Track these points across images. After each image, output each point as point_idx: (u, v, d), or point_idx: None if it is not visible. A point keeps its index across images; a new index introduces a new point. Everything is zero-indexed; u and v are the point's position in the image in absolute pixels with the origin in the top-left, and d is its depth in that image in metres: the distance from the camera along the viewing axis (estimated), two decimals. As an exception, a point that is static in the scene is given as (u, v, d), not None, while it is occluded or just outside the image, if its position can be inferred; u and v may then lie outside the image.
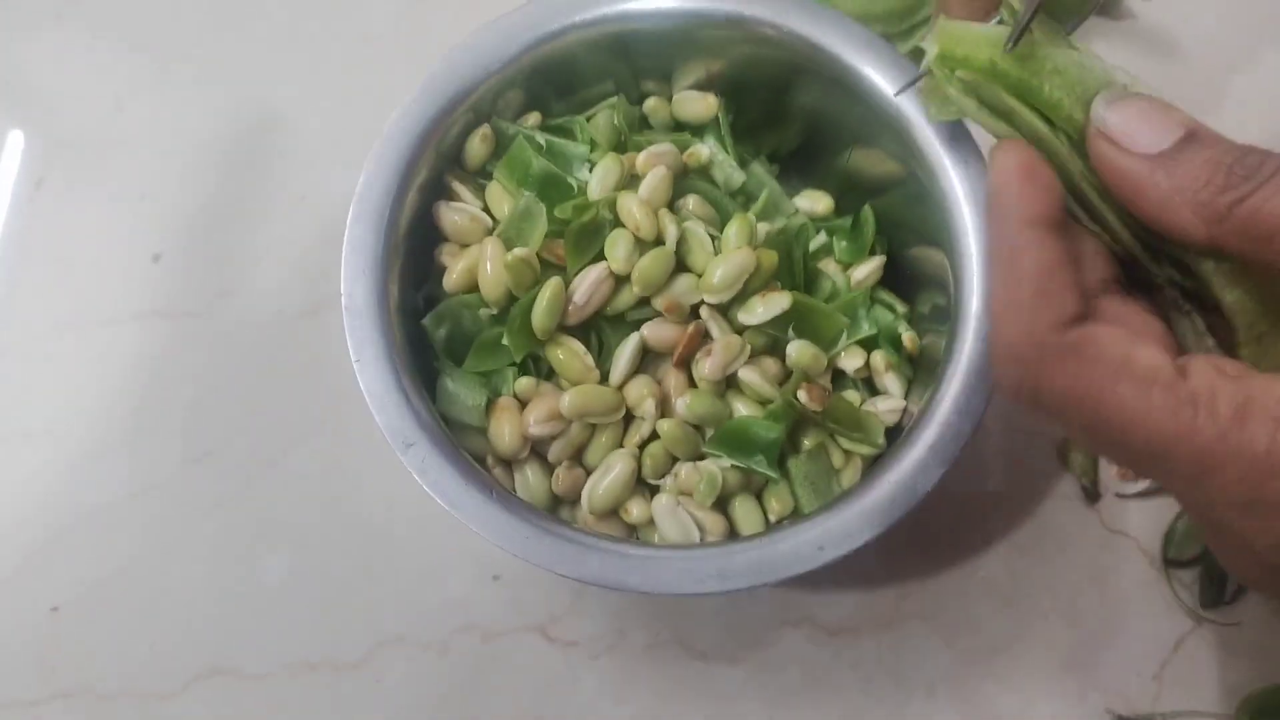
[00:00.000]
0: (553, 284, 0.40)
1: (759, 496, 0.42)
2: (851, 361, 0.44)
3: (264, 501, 0.51)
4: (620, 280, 0.42)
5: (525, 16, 0.43)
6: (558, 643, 0.49)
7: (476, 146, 0.44)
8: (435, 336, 0.43)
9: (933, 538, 0.50)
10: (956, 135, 0.40)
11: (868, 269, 0.46)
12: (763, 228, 0.44)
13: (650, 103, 0.48)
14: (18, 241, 0.55)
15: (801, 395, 0.41)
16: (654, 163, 0.43)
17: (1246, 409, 0.24)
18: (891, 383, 0.44)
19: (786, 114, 0.48)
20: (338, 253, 0.40)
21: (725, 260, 0.41)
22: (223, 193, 0.55)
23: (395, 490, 0.38)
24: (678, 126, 0.48)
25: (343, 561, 0.50)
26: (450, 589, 0.50)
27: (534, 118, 0.46)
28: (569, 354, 0.41)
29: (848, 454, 0.43)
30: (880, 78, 0.42)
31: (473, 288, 0.42)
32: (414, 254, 0.43)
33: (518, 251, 0.41)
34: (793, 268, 0.44)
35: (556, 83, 0.45)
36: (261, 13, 0.58)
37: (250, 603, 0.50)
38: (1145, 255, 0.29)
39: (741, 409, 0.42)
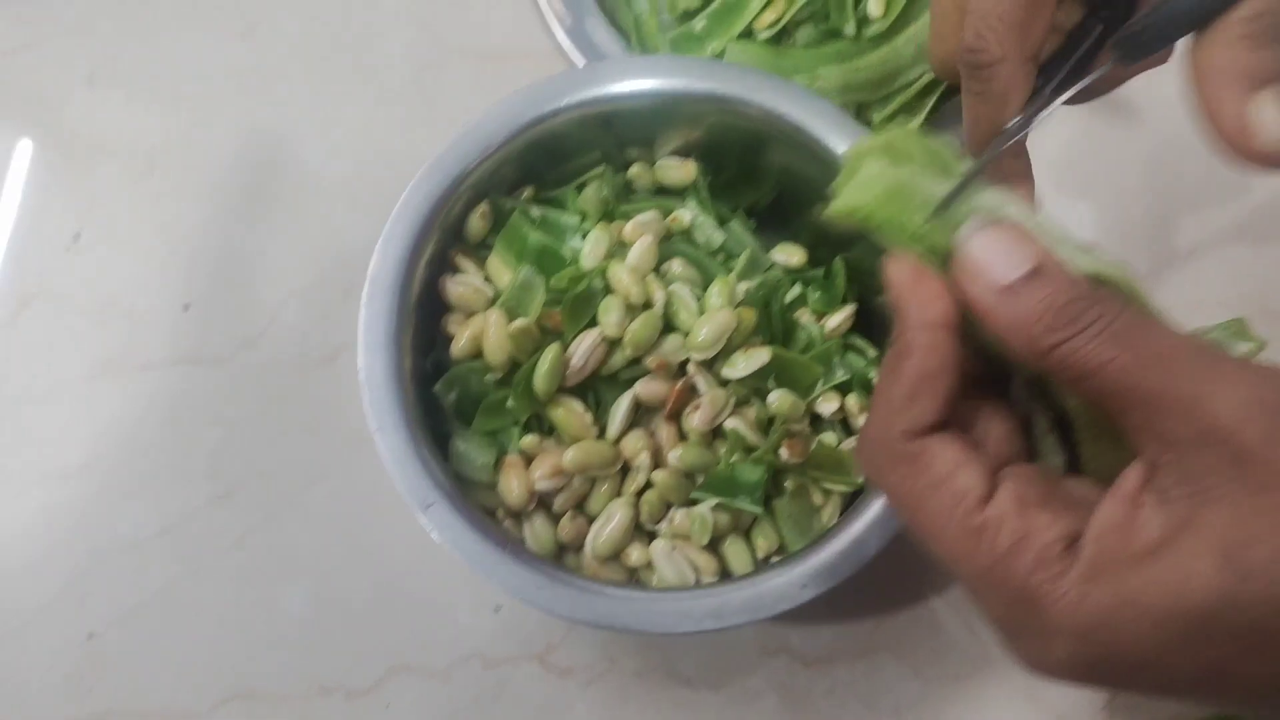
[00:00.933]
0: (553, 350, 0.44)
1: (748, 536, 0.46)
2: (828, 406, 0.48)
3: (284, 537, 0.55)
4: (613, 343, 0.45)
5: (521, 101, 0.47)
6: (553, 670, 0.53)
7: (477, 223, 0.48)
8: (446, 401, 0.47)
9: (904, 572, 0.53)
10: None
11: (840, 317, 0.49)
12: (743, 286, 0.48)
13: (634, 169, 0.51)
14: (58, 291, 0.58)
15: (784, 452, 0.45)
16: (640, 232, 0.47)
17: (1019, 546, 0.27)
18: (866, 424, 0.48)
19: (760, 173, 0.52)
20: (355, 302, 0.44)
21: (709, 320, 0.45)
22: (248, 245, 0.59)
23: (406, 527, 0.41)
24: (659, 190, 0.52)
25: (357, 594, 0.54)
26: (455, 620, 0.54)
27: (528, 191, 0.50)
28: (569, 413, 0.45)
29: (827, 492, 0.47)
30: (841, 143, 0.46)
31: (478, 354, 0.46)
32: (422, 324, 0.47)
33: (519, 321, 0.44)
34: (771, 321, 0.48)
35: (548, 156, 0.49)
36: (285, 75, 0.62)
37: (271, 631, 0.54)
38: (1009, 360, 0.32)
39: (728, 455, 0.46)
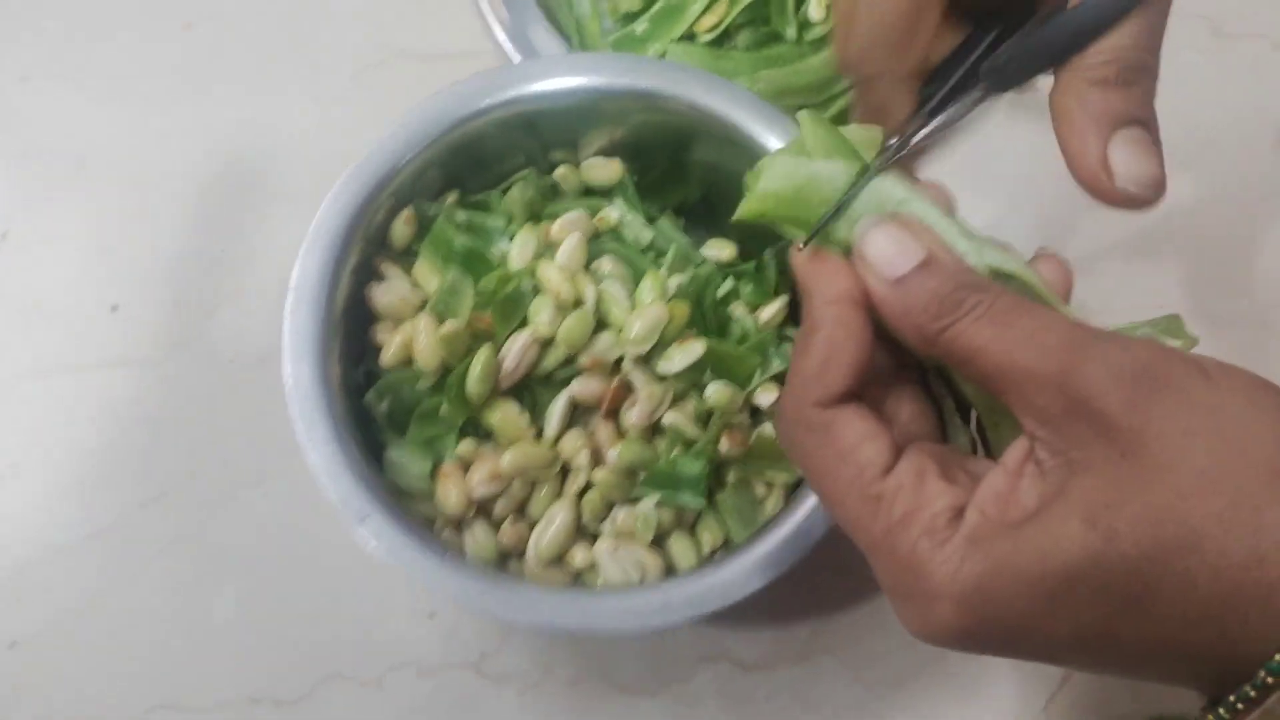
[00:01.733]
0: (484, 352, 0.43)
1: (692, 531, 0.46)
2: (766, 397, 0.47)
3: (215, 542, 0.53)
4: (546, 343, 0.45)
5: (440, 104, 0.46)
6: (489, 677, 0.52)
7: (401, 229, 0.47)
8: (378, 410, 0.45)
9: (843, 573, 0.52)
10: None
11: (773, 309, 0.49)
12: (674, 280, 0.47)
13: (560, 171, 0.51)
14: (-15, 291, 0.57)
15: (724, 444, 0.44)
16: (568, 230, 0.47)
17: (910, 515, 0.29)
18: (804, 413, 0.48)
19: (687, 170, 0.52)
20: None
21: (640, 315, 0.45)
22: (179, 245, 0.58)
23: (338, 533, 0.41)
24: (587, 190, 0.52)
25: (288, 601, 0.53)
26: (389, 627, 0.53)
27: (452, 196, 0.49)
28: (504, 416, 0.44)
29: (769, 483, 0.47)
30: (770, 136, 0.46)
31: (409, 362, 0.45)
32: (351, 334, 0.46)
33: (449, 325, 0.44)
34: (704, 315, 0.48)
35: (471, 160, 0.48)
36: (220, 74, 0.61)
37: (200, 640, 0.52)
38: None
39: (668, 450, 0.45)
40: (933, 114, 0.35)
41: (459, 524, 0.45)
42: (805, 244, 0.32)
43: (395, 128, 0.46)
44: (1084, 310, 0.31)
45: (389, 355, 0.45)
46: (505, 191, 0.50)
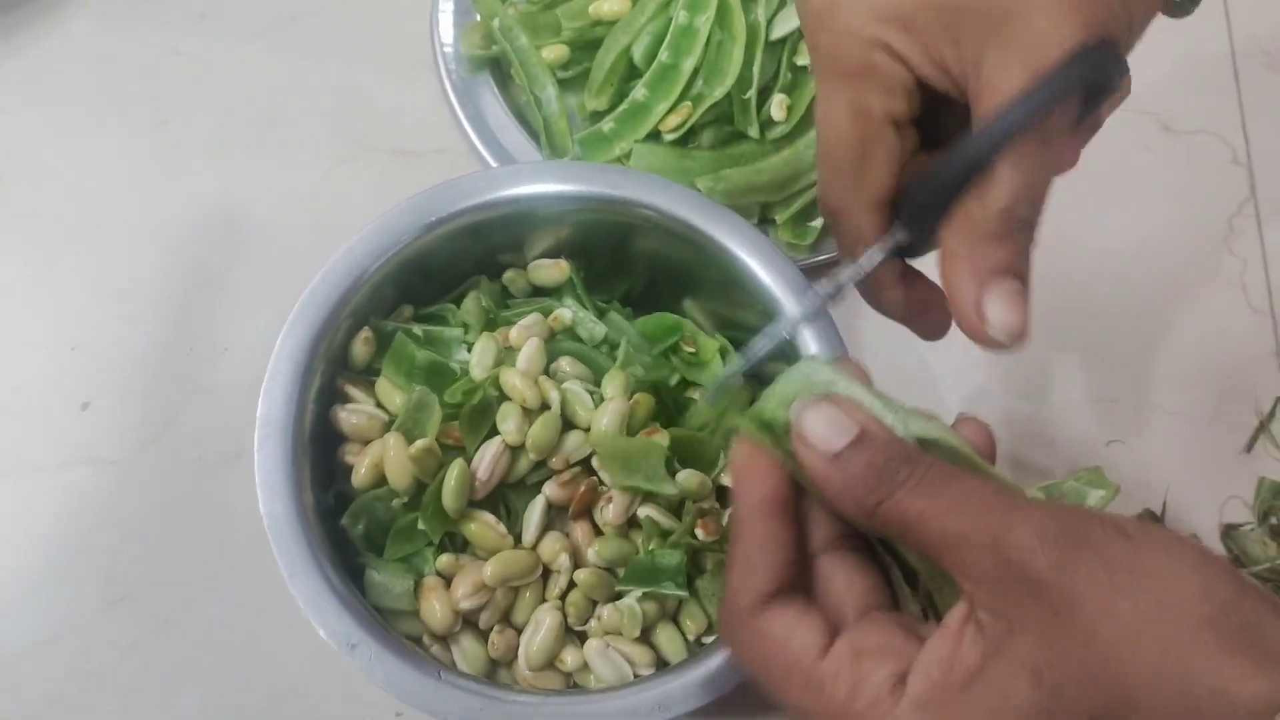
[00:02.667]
0: (457, 465, 0.44)
1: (675, 621, 0.47)
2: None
3: (178, 645, 0.53)
4: (516, 449, 0.45)
5: (389, 225, 0.47)
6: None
7: (360, 349, 0.47)
8: (354, 533, 0.46)
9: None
10: (785, 271, 0.47)
11: (730, 391, 0.51)
12: (633, 372, 0.48)
13: (508, 275, 0.52)
14: (-47, 392, 0.56)
15: (699, 532, 0.45)
16: (526, 335, 0.48)
17: (853, 694, 0.29)
18: (770, 490, 0.49)
19: (630, 261, 0.53)
20: (255, 403, 0.44)
21: (605, 414, 0.46)
22: (149, 343, 0.58)
23: (302, 633, 0.40)
24: (535, 290, 0.53)
25: (251, 703, 0.52)
26: None
27: (407, 311, 0.49)
28: (481, 526, 0.45)
29: (745, 563, 0.48)
30: (711, 227, 0.48)
31: (381, 481, 0.45)
32: (319, 458, 0.46)
33: (420, 442, 0.44)
34: (665, 403, 0.49)
35: (422, 273, 0.49)
36: (189, 171, 0.61)
37: None
38: None
39: (645, 543, 0.46)
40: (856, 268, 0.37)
41: (446, 639, 0.45)
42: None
43: (344, 251, 0.46)
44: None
45: (360, 477, 0.45)
46: (458, 300, 0.51)
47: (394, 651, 0.41)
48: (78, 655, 0.52)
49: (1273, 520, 0.56)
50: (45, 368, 0.57)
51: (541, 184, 0.48)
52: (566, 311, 0.50)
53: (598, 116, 0.59)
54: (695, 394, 0.51)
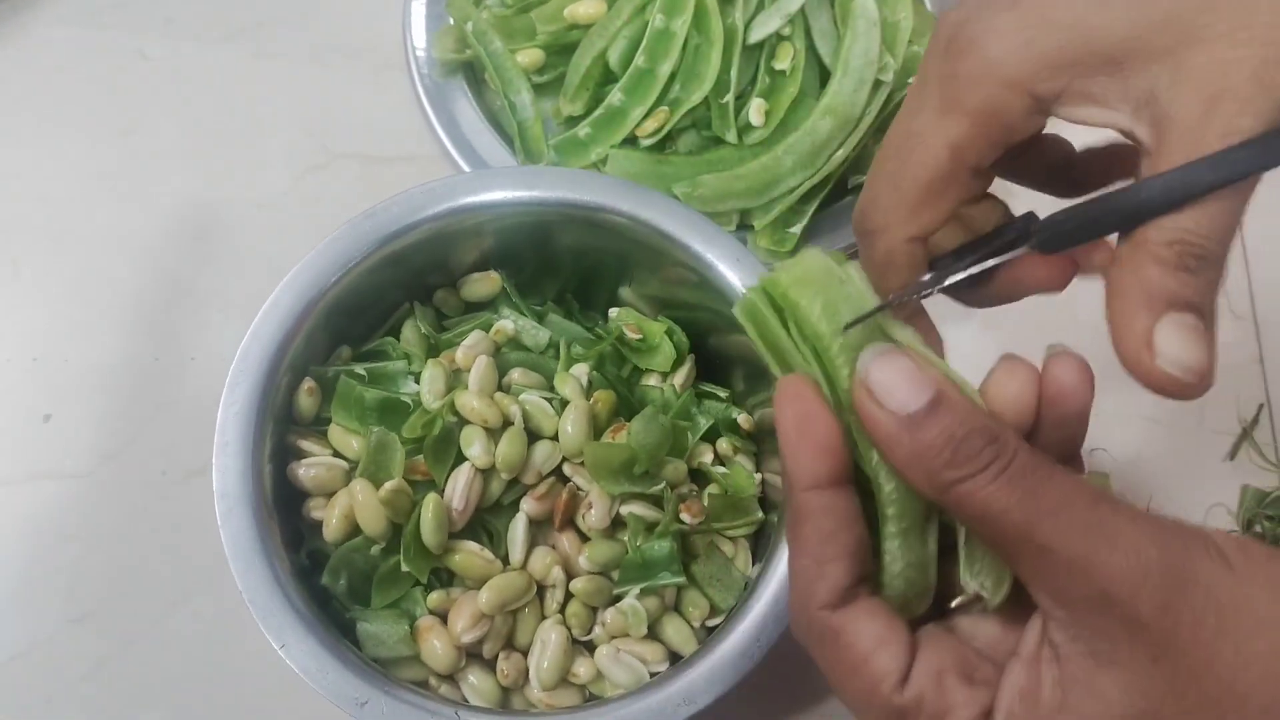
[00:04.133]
0: (431, 500, 0.43)
1: (680, 611, 0.46)
2: (704, 458, 0.48)
3: (142, 663, 0.51)
4: (486, 472, 0.44)
5: (307, 272, 0.45)
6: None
7: (305, 400, 0.46)
8: (337, 589, 0.44)
9: (798, 672, 0.51)
10: (718, 239, 0.46)
11: (684, 372, 0.50)
12: (581, 369, 0.48)
13: (439, 295, 0.51)
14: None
15: (685, 517, 0.45)
16: (473, 355, 0.46)
17: None
18: (744, 462, 0.49)
19: (557, 259, 0.52)
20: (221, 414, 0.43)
21: (568, 420, 0.45)
22: (113, 353, 0.56)
23: (268, 651, 0.39)
24: (469, 306, 0.51)
25: None
26: None
27: (345, 352, 0.48)
28: (467, 556, 0.44)
29: (733, 539, 0.48)
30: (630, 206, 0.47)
31: (354, 531, 0.44)
32: (285, 520, 0.44)
33: (389, 485, 0.43)
34: (626, 398, 0.48)
35: (351, 312, 0.48)
36: (155, 177, 0.59)
37: None
38: None
39: (633, 540, 0.45)
40: (949, 274, 0.33)
41: (453, 676, 0.44)
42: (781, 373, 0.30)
43: (269, 306, 0.45)
44: None
45: (332, 530, 0.44)
46: (393, 332, 0.49)
47: (404, 701, 0.40)
48: (39, 673, 0.50)
49: (1257, 529, 0.56)
50: (6, 378, 0.55)
51: (459, 198, 0.47)
52: (508, 323, 0.49)
53: (573, 121, 0.58)
54: (649, 380, 0.50)
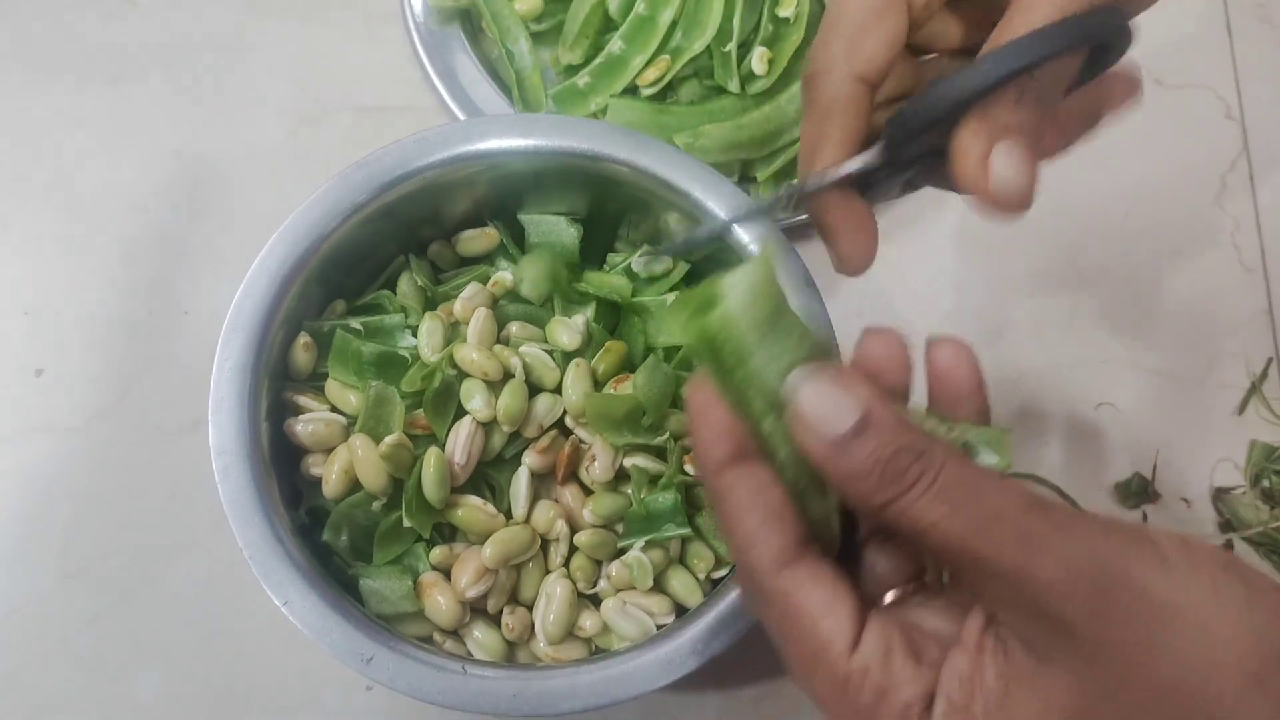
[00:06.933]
0: (433, 455, 0.42)
1: (685, 564, 0.46)
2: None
3: (139, 617, 0.51)
4: (488, 426, 0.44)
5: (300, 225, 0.44)
6: (431, 754, 0.50)
7: (301, 355, 0.45)
8: (338, 546, 0.43)
9: None
10: (720, 188, 0.45)
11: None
12: (579, 318, 0.47)
13: (433, 249, 0.50)
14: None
15: (689, 469, 0.44)
16: (471, 307, 0.46)
17: (881, 699, 0.27)
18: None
19: (554, 208, 0.51)
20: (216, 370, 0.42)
21: (571, 379, 0.44)
22: (105, 306, 0.55)
23: (265, 607, 0.39)
24: (464, 260, 0.50)
25: (215, 677, 0.50)
26: (324, 703, 0.50)
27: (340, 306, 0.47)
28: (469, 510, 0.43)
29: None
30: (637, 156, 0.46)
31: (354, 487, 0.43)
32: (283, 476, 0.43)
33: (389, 439, 0.42)
34: (632, 345, 0.47)
35: (345, 265, 0.47)
36: (146, 129, 0.58)
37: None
38: None
39: (637, 492, 0.45)
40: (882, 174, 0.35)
41: (457, 632, 0.43)
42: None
43: (263, 256, 0.44)
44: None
45: (332, 486, 0.43)
46: (388, 286, 0.48)
47: (410, 656, 0.40)
48: (34, 629, 0.50)
49: (1264, 484, 0.55)
50: None
51: (455, 147, 0.46)
52: (506, 274, 0.48)
53: (572, 71, 0.57)
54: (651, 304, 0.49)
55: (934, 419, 0.32)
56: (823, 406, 0.28)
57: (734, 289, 0.30)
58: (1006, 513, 0.27)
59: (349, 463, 0.43)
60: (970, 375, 0.32)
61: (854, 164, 0.35)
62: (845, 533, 0.32)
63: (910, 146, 0.33)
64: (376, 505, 0.43)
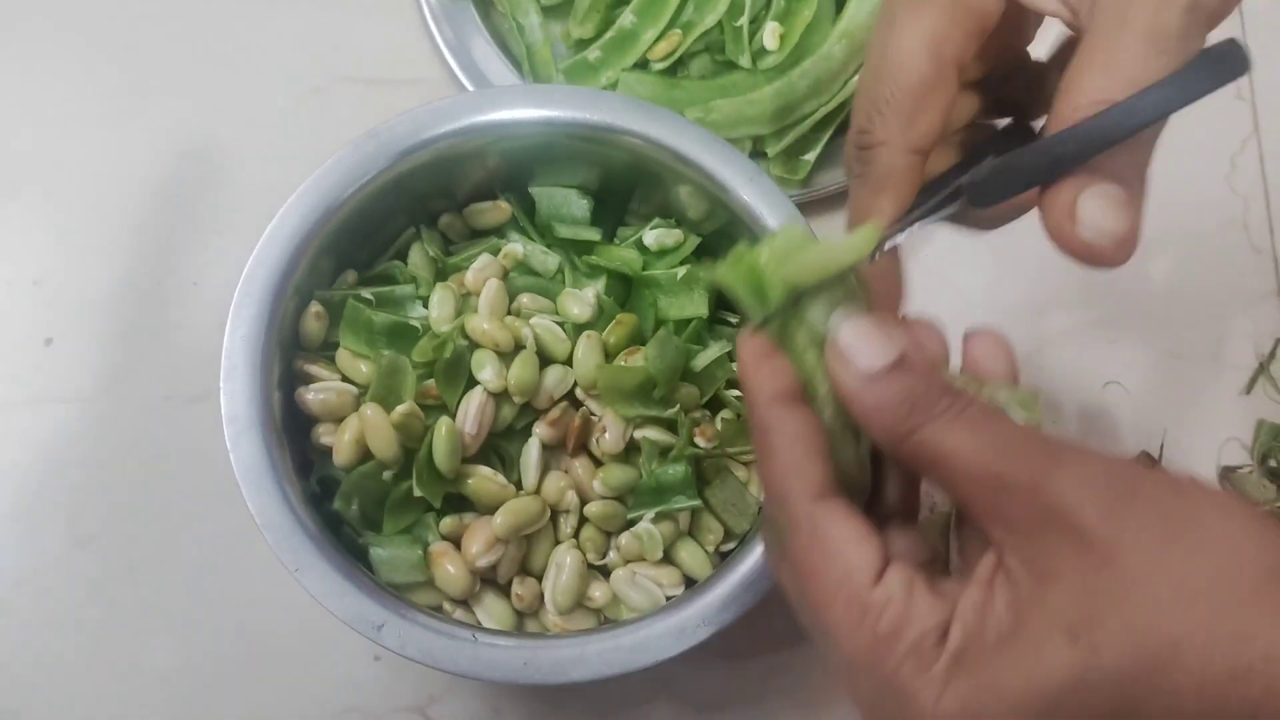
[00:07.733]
0: (444, 425, 0.42)
1: (694, 537, 0.46)
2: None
3: (148, 586, 0.51)
4: (499, 396, 0.44)
5: (312, 194, 0.44)
6: (437, 721, 0.50)
7: (312, 325, 0.45)
8: (349, 515, 0.43)
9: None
10: (733, 160, 0.45)
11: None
12: (589, 292, 0.47)
13: (445, 220, 0.50)
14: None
15: (699, 440, 0.44)
16: (483, 278, 0.46)
17: (897, 631, 0.27)
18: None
19: (565, 180, 0.50)
20: (224, 336, 0.42)
21: (582, 350, 0.44)
22: (114, 277, 0.55)
23: (277, 575, 0.39)
24: (475, 233, 0.50)
25: (225, 646, 0.50)
26: (333, 671, 0.50)
27: (351, 276, 0.47)
28: (480, 480, 0.43)
29: (748, 464, 0.47)
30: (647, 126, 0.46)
31: (365, 456, 0.43)
32: (294, 445, 0.44)
33: (401, 408, 0.42)
34: (643, 318, 0.47)
35: (356, 236, 0.47)
36: (156, 100, 0.58)
37: (133, 689, 0.50)
38: None
39: (647, 464, 0.45)
40: (909, 219, 0.34)
41: (467, 602, 0.44)
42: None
43: (275, 225, 0.44)
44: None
45: (342, 455, 0.43)
46: (399, 257, 0.48)
47: (421, 624, 0.40)
48: (45, 597, 0.50)
49: (1271, 463, 0.55)
50: (6, 301, 0.54)
51: (467, 118, 0.46)
52: (517, 246, 0.48)
53: (583, 44, 0.56)
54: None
55: (965, 377, 0.32)
56: (861, 343, 0.30)
57: (786, 233, 0.32)
58: (1022, 437, 0.28)
59: (360, 432, 0.43)
60: (1004, 366, 0.33)
61: (913, 230, 0.34)
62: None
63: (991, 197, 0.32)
64: (387, 475, 0.43)
